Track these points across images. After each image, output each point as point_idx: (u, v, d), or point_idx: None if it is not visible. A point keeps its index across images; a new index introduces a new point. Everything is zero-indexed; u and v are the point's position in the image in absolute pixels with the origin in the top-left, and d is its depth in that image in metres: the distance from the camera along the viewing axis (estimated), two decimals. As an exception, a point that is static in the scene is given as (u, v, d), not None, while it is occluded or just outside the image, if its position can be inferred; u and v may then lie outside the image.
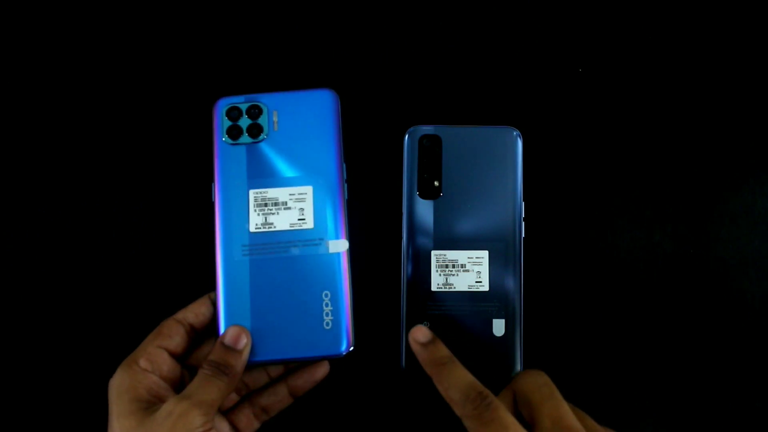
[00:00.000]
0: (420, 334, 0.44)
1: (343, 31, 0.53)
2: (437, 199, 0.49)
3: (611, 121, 0.53)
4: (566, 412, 0.40)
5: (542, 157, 0.52)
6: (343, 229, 0.45)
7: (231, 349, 0.42)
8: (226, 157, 0.46)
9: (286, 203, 0.45)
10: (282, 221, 0.45)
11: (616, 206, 0.52)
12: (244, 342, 0.43)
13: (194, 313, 0.44)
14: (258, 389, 0.46)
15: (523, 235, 0.49)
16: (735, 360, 0.51)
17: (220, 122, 0.47)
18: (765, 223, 0.52)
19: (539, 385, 0.41)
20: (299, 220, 0.45)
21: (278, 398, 0.45)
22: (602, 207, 0.52)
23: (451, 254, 0.48)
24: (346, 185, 0.46)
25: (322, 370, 0.46)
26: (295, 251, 0.45)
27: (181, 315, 0.44)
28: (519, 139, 0.49)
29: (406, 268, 0.48)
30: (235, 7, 0.54)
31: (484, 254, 0.48)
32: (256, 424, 0.45)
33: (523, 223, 0.49)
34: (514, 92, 0.53)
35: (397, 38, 0.53)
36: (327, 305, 0.44)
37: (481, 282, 0.48)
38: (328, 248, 0.45)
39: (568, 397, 0.40)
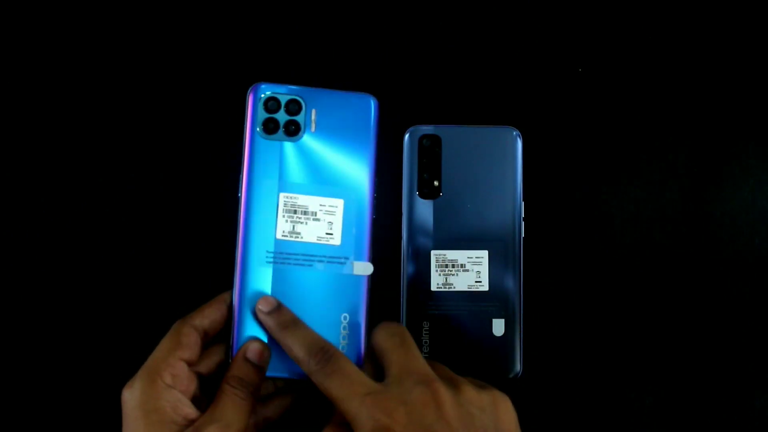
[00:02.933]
0: (264, 303, 0.42)
1: (342, 31, 0.53)
2: (437, 199, 0.49)
3: (611, 121, 0.53)
4: (414, 357, 0.39)
5: (542, 157, 0.52)
6: (368, 251, 0.43)
7: (254, 365, 0.41)
8: (259, 152, 0.43)
9: (315, 214, 0.43)
10: (309, 232, 0.43)
11: (616, 206, 0.52)
12: (266, 357, 0.41)
13: (210, 319, 0.42)
14: (263, 399, 0.44)
15: (522, 235, 0.49)
16: (735, 361, 0.51)
17: (255, 111, 0.43)
18: (765, 222, 0.52)
19: (390, 335, 0.41)
20: (327, 234, 0.43)
21: (282, 406, 0.44)
22: (602, 207, 0.52)
23: (451, 254, 0.48)
24: (374, 202, 0.44)
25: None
26: (319, 266, 0.42)
27: (197, 321, 0.42)
28: (519, 139, 0.49)
29: (405, 268, 0.48)
30: (234, 5, 0.54)
31: (484, 254, 0.48)
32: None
33: (522, 223, 0.49)
34: (514, 92, 0.53)
35: (398, 38, 0.53)
36: (345, 328, 0.42)
37: (480, 282, 0.48)
38: (352, 269, 0.43)
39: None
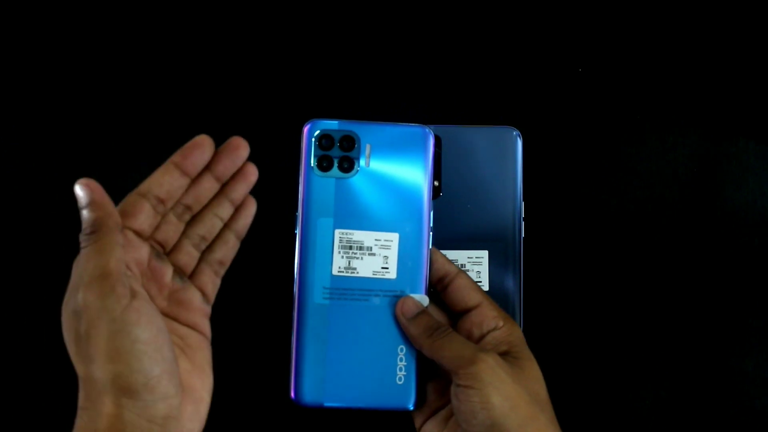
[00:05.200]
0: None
1: (343, 31, 0.54)
2: (437, 199, 0.49)
3: (611, 121, 0.53)
4: None
5: (542, 157, 0.52)
6: (424, 283, 0.43)
7: (93, 204, 0.37)
8: (314, 189, 0.44)
9: (370, 248, 0.43)
10: (365, 267, 0.43)
11: (616, 206, 0.52)
12: (91, 187, 0.37)
13: (158, 182, 0.39)
14: (209, 245, 0.43)
15: (522, 235, 0.49)
16: (735, 361, 0.51)
17: (309, 149, 0.44)
18: (765, 222, 0.52)
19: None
20: (382, 268, 0.43)
21: (229, 245, 0.43)
22: (602, 207, 0.52)
23: (451, 254, 0.48)
24: (431, 234, 0.44)
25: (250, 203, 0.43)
26: (375, 301, 0.43)
27: (144, 187, 0.39)
28: (519, 139, 0.49)
29: (406, 268, 0.48)
30: (232, 5, 0.54)
31: (484, 254, 0.48)
32: (217, 282, 0.43)
33: (523, 223, 0.49)
34: (514, 92, 0.53)
35: (398, 38, 0.53)
36: (402, 360, 0.43)
37: (481, 282, 0.48)
38: None
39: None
